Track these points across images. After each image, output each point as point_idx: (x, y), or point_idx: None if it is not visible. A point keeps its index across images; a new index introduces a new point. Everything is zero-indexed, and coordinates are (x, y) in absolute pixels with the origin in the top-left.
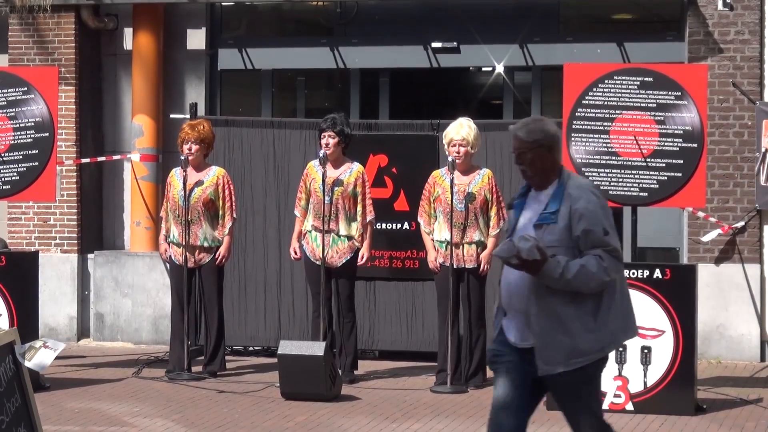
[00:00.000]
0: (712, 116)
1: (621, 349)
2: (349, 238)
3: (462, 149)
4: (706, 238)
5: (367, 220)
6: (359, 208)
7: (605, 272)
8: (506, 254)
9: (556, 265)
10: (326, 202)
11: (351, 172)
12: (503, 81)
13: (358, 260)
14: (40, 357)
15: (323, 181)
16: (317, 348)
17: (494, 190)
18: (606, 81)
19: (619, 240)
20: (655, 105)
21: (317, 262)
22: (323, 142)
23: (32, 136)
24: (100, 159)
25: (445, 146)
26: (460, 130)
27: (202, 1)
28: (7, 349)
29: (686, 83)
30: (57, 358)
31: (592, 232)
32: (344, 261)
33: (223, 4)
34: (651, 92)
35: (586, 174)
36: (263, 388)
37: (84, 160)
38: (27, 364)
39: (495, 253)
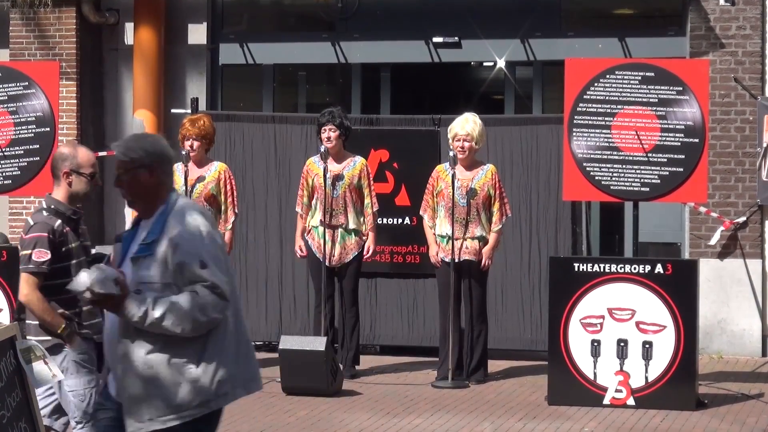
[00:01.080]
0: (714, 111)
1: (622, 344)
2: (357, 232)
3: (466, 144)
4: (712, 241)
5: (374, 212)
6: (367, 200)
7: (202, 311)
8: (77, 287)
9: (141, 302)
10: (334, 196)
11: (354, 165)
12: (504, 76)
13: (364, 253)
14: (40, 371)
15: (325, 175)
16: (318, 343)
17: (497, 185)
18: (607, 76)
19: (227, 274)
20: (656, 100)
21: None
22: (324, 136)
23: (33, 130)
24: (101, 154)
25: (449, 140)
26: (465, 125)
27: None
28: (7, 344)
29: (688, 78)
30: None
31: (186, 265)
32: (351, 257)
33: None
34: (652, 87)
35: (588, 169)
36: (264, 383)
37: None
38: (26, 367)
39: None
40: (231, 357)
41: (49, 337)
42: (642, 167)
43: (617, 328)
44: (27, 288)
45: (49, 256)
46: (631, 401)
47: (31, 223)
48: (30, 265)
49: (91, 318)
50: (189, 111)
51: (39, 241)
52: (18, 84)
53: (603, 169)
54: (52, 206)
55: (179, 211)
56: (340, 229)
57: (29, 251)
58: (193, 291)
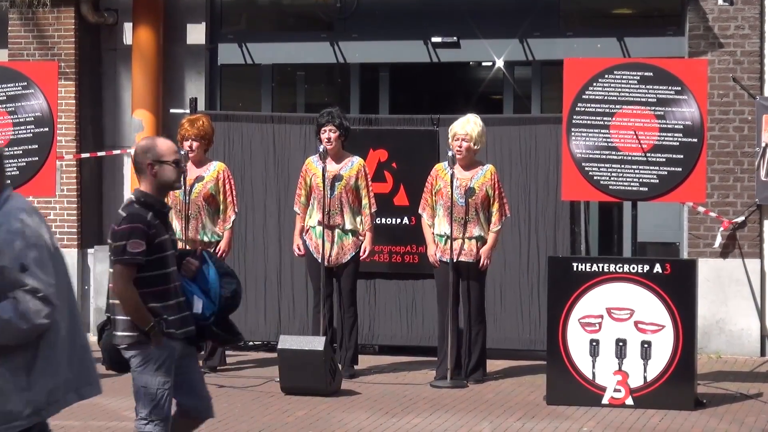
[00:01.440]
0: (712, 111)
1: (621, 343)
2: (354, 233)
3: (464, 144)
4: (716, 244)
5: (371, 212)
6: (365, 201)
7: (23, 319)
8: None
9: None
10: (330, 196)
11: (352, 165)
12: (503, 76)
13: (361, 253)
14: None
15: (323, 175)
16: (317, 343)
17: (496, 185)
18: (606, 76)
19: (55, 276)
20: (655, 100)
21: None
22: (324, 136)
23: (32, 131)
24: (99, 154)
25: (449, 140)
26: (466, 125)
27: None
28: None
29: (686, 78)
30: None
31: (5, 269)
32: (348, 257)
33: None
34: (651, 87)
35: (587, 169)
36: (263, 382)
37: (84, 155)
38: None
39: None
40: (64, 363)
41: (134, 333)
42: (640, 167)
43: (616, 327)
44: (122, 281)
45: (144, 247)
46: (629, 401)
47: (123, 214)
48: (125, 256)
49: (177, 312)
50: (188, 111)
51: (134, 232)
52: (17, 84)
53: (602, 169)
54: (142, 199)
55: (5, 211)
56: (337, 230)
57: (124, 242)
58: (14, 298)
